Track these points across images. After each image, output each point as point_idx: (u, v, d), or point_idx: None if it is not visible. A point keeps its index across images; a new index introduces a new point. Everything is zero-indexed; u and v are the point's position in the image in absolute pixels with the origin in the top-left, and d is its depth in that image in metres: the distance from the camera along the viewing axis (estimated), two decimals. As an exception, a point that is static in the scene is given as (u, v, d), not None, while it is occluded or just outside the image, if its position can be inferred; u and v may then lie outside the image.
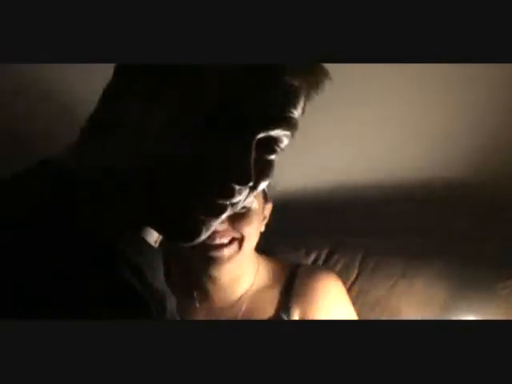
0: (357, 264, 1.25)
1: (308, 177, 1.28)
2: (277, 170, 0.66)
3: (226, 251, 1.03)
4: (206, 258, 1.04)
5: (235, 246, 1.04)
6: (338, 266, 1.25)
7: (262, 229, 1.11)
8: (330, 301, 1.10)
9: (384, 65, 0.93)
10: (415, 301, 1.19)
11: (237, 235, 1.03)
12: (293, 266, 1.15)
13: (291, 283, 1.10)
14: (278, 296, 1.10)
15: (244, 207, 1.01)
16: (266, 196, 1.12)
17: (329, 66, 0.96)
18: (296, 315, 1.09)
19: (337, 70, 1.10)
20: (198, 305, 1.11)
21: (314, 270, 1.16)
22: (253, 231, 1.06)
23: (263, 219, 1.11)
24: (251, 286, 1.12)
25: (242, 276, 1.11)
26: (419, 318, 1.16)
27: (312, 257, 1.28)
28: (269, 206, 1.13)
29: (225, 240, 1.02)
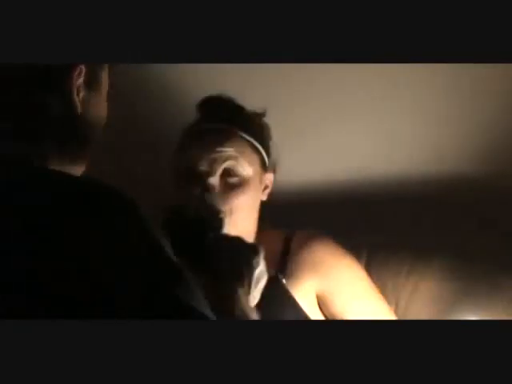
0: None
1: (308, 174, 1.29)
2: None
3: None
4: None
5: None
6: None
7: (264, 198, 1.11)
8: (331, 260, 1.10)
9: (382, 65, 0.94)
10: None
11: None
12: (288, 232, 1.14)
13: (287, 246, 1.10)
14: (277, 258, 1.09)
15: (236, 176, 1.04)
16: (264, 165, 1.10)
17: (328, 66, 0.96)
18: (294, 277, 1.09)
19: (335, 70, 1.11)
20: None
21: (312, 233, 1.14)
22: (247, 202, 1.05)
23: (264, 188, 1.11)
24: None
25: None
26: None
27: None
28: (269, 176, 1.11)
29: None
